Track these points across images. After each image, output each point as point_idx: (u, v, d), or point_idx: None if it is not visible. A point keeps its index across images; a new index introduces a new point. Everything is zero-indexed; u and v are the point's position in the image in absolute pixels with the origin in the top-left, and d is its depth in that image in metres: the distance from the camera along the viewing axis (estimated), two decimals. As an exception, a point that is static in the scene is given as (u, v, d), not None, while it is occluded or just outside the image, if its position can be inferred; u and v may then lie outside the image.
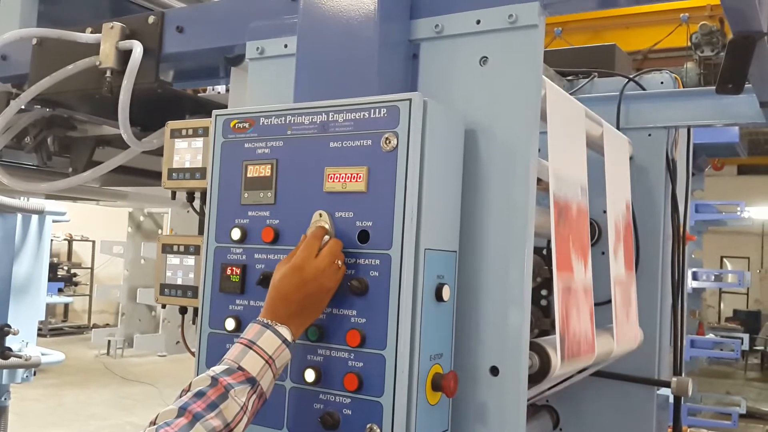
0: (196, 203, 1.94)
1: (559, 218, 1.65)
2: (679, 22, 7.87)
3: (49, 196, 4.41)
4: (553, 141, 1.67)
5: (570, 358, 1.65)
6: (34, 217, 4.56)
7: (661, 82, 2.46)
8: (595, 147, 2.04)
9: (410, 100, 1.38)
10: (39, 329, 4.78)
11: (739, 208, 7.89)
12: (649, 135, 2.36)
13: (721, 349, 7.51)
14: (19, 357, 4.29)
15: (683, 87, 2.51)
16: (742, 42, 1.59)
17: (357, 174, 1.41)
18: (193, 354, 1.68)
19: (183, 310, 1.93)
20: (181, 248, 1.87)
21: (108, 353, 12.88)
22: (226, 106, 2.29)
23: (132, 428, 8.24)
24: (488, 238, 1.50)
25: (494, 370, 1.47)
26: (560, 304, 1.61)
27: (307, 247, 1.40)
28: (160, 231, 12.98)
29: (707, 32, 6.55)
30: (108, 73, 2.08)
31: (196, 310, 1.76)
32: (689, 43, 6.91)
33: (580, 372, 1.95)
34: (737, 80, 1.71)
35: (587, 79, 2.51)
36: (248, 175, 1.56)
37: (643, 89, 2.44)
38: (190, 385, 1.28)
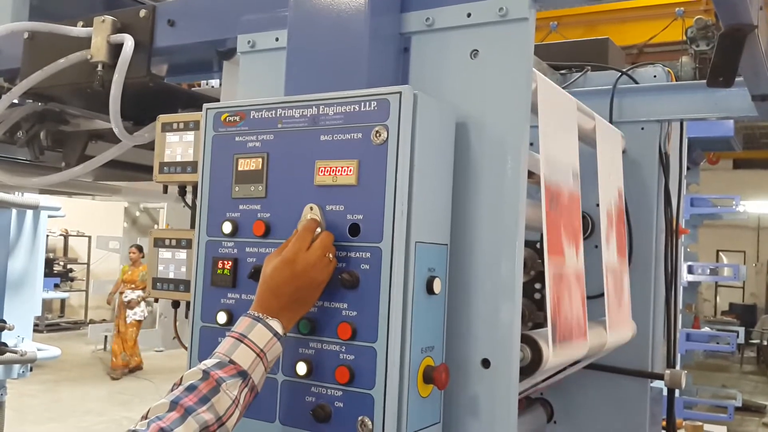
0: (188, 197, 1.94)
1: (550, 204, 1.64)
2: (674, 16, 7.87)
3: (44, 191, 4.41)
4: (544, 127, 1.66)
5: (561, 340, 1.64)
6: (29, 213, 4.55)
7: (654, 76, 2.45)
8: (587, 140, 2.04)
9: (400, 93, 1.37)
10: (35, 325, 4.79)
11: (734, 202, 7.91)
12: (642, 128, 2.37)
13: (717, 343, 7.56)
14: (15, 353, 4.30)
15: (678, 81, 2.50)
16: (732, 35, 1.59)
17: (347, 167, 1.41)
18: (186, 348, 1.68)
19: (176, 304, 1.93)
20: (173, 242, 1.87)
21: (105, 348, 12.87)
22: (218, 100, 2.28)
23: (129, 423, 8.23)
24: (479, 231, 1.50)
25: (486, 363, 1.47)
26: (552, 289, 1.60)
27: (299, 239, 1.39)
28: (155, 226, 13.01)
29: (702, 26, 6.52)
30: (99, 67, 2.07)
31: (188, 304, 1.77)
32: (685, 38, 6.90)
33: (573, 365, 1.95)
34: (728, 73, 1.71)
35: (580, 73, 2.51)
36: (239, 168, 1.56)
37: (636, 83, 2.43)
38: (181, 378, 1.28)
